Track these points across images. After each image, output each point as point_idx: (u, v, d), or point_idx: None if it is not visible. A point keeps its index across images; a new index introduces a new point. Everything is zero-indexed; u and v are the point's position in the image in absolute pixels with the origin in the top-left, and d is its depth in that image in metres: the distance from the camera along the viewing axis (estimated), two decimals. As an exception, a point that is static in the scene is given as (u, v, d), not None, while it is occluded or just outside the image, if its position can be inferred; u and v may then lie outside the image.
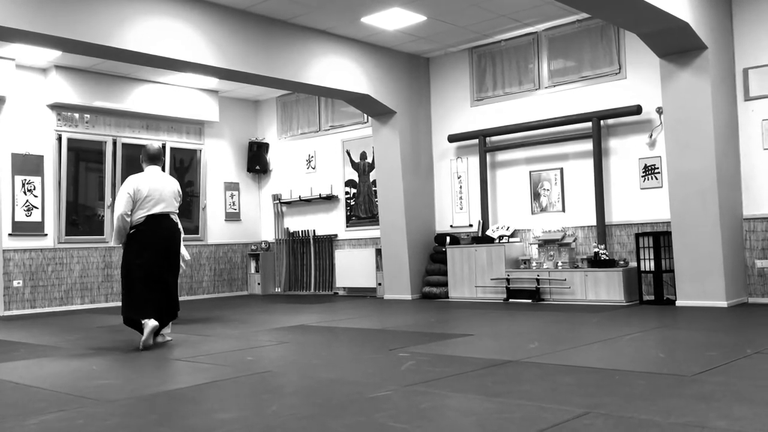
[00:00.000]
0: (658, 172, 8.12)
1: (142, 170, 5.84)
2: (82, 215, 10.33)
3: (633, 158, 8.33)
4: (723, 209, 7.22)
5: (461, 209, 9.90)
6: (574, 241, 8.59)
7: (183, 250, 5.96)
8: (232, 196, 11.97)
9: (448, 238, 9.57)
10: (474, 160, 9.70)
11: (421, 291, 9.74)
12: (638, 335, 5.40)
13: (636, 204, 8.30)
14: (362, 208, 10.93)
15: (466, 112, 9.84)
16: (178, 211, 5.81)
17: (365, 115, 10.54)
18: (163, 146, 10.96)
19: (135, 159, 10.44)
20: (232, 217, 11.96)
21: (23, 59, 9.28)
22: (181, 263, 5.90)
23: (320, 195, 11.28)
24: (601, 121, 8.49)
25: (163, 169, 5.98)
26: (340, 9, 8.02)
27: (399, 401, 3.33)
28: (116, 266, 10.04)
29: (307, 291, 11.55)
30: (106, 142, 10.36)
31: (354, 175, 11.03)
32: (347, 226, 11.12)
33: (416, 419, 3.00)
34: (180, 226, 5.81)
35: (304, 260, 11.63)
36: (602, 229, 8.38)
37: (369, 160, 10.78)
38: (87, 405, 3.49)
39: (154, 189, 5.62)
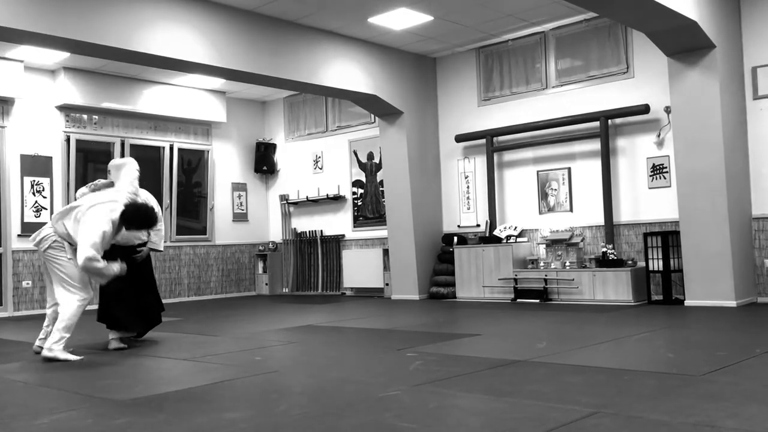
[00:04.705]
0: (667, 172, 8.09)
1: (140, 176, 5.63)
2: (90, 216, 10.35)
3: (641, 158, 8.30)
4: (732, 208, 7.18)
5: (468, 209, 9.89)
6: (582, 240, 8.57)
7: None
8: (239, 196, 11.99)
9: (455, 238, 9.55)
10: (481, 160, 9.69)
11: (429, 291, 9.73)
12: (647, 335, 5.38)
13: (644, 203, 8.27)
14: (369, 208, 10.93)
15: (473, 112, 9.83)
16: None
17: (372, 116, 10.54)
18: (171, 147, 11.00)
19: (143, 160, 10.41)
20: (240, 217, 11.98)
21: (32, 61, 9.32)
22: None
23: (327, 195, 11.28)
24: (609, 121, 8.46)
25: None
26: (347, 9, 8.02)
27: (407, 401, 3.33)
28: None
29: (315, 291, 11.55)
30: (114, 143, 10.38)
31: (361, 176, 11.03)
32: (354, 227, 11.12)
33: (424, 419, 3.00)
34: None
35: (312, 260, 11.64)
36: (610, 229, 8.35)
37: (376, 160, 10.78)
38: (96, 404, 3.50)
39: None
